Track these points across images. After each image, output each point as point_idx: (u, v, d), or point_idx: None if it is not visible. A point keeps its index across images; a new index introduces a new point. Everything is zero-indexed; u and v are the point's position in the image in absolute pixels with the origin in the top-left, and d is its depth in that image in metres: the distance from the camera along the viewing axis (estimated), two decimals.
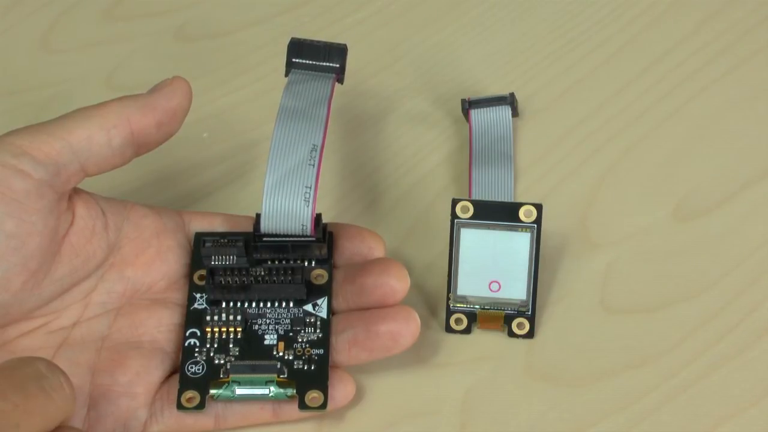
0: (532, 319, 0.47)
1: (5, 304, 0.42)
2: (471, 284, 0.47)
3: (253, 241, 0.44)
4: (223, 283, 0.44)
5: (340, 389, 0.44)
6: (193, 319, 0.45)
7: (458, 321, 0.48)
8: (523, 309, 0.47)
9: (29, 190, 0.41)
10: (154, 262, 0.45)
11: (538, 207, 0.46)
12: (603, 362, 0.47)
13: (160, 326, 0.45)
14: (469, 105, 0.53)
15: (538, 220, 0.46)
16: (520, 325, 0.47)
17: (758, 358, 0.47)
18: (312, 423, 0.45)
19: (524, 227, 0.46)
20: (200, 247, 0.45)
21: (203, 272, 0.45)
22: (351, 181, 0.53)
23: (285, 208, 0.43)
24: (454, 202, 0.47)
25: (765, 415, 0.45)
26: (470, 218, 0.46)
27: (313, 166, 0.43)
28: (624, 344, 0.47)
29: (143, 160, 0.53)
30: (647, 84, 0.55)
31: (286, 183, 0.43)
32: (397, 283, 0.44)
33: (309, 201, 0.43)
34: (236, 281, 0.44)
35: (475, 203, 0.47)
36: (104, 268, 0.45)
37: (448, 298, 0.47)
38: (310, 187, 0.43)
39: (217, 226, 0.47)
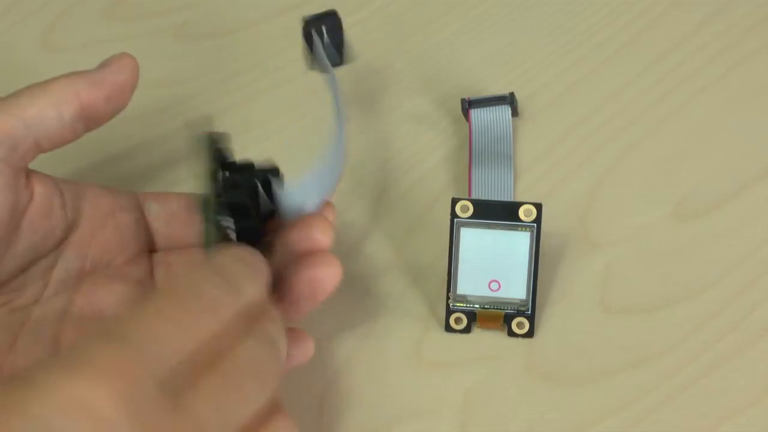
0: (531, 319, 0.47)
1: None
2: (471, 284, 0.47)
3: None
4: None
5: (298, 348, 0.43)
6: None
7: (458, 320, 0.48)
8: (523, 308, 0.47)
9: None
10: (112, 240, 0.46)
11: (538, 206, 0.46)
12: (603, 362, 0.47)
13: (119, 299, 0.45)
14: (468, 105, 0.53)
15: (537, 220, 0.46)
16: (519, 324, 0.47)
17: (758, 358, 0.47)
18: (312, 422, 0.45)
19: (524, 227, 0.46)
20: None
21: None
22: (351, 181, 0.53)
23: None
24: (454, 202, 0.47)
25: (765, 415, 0.45)
26: (470, 217, 0.46)
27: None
28: (624, 344, 0.47)
29: (144, 160, 0.53)
30: (647, 84, 0.55)
31: None
32: (320, 235, 0.43)
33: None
34: None
35: (474, 203, 0.47)
36: (63, 246, 0.45)
37: (448, 298, 0.47)
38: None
39: (174, 205, 0.48)
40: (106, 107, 0.45)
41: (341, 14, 0.58)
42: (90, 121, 0.45)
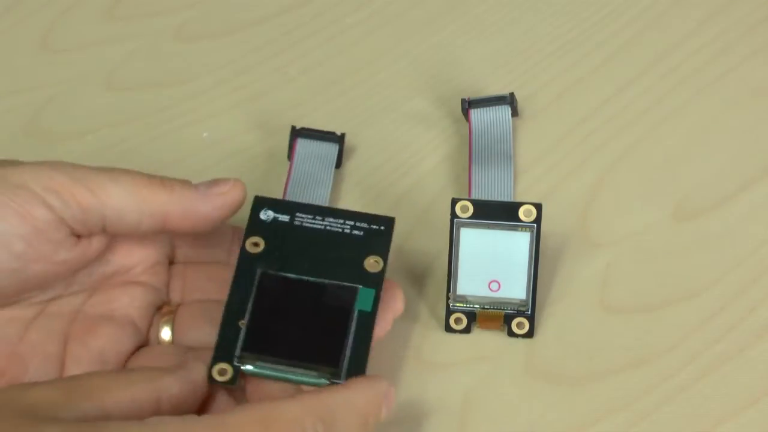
0: (531, 319, 0.47)
1: None
2: (471, 284, 0.47)
3: None
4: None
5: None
6: None
7: (458, 321, 0.48)
8: (523, 308, 0.47)
9: (49, 221, 0.42)
10: (136, 248, 0.46)
11: (538, 206, 0.46)
12: (603, 362, 0.47)
13: (134, 303, 0.45)
14: (468, 105, 0.53)
15: (537, 220, 0.46)
16: (519, 324, 0.47)
17: (758, 357, 0.47)
18: None
19: (524, 227, 0.46)
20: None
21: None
22: (351, 181, 0.53)
23: None
24: (454, 202, 0.47)
25: (765, 415, 0.45)
26: (470, 218, 0.46)
27: None
28: (624, 344, 0.47)
29: (144, 160, 0.53)
30: (647, 84, 0.55)
31: None
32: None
33: None
34: None
35: (474, 203, 0.47)
36: None
37: (448, 298, 0.47)
38: None
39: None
40: (188, 232, 0.45)
41: (341, 14, 0.59)
42: (163, 233, 0.45)
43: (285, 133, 0.53)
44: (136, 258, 0.46)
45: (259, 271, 0.44)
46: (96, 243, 0.44)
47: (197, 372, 0.41)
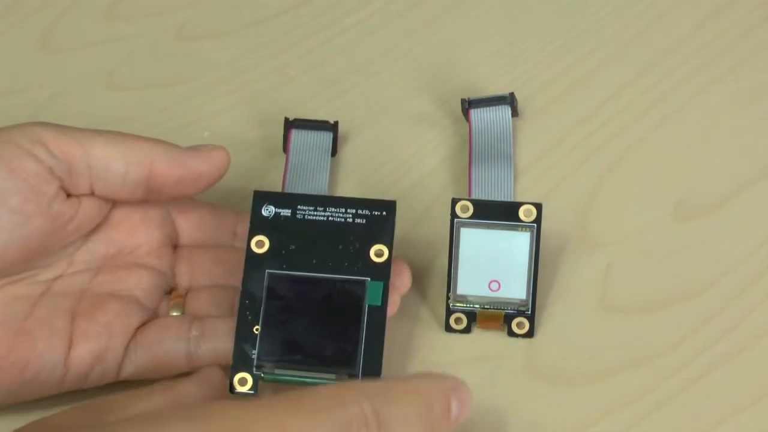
0: (531, 319, 0.47)
1: None
2: (471, 284, 0.47)
3: None
4: None
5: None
6: None
7: (458, 320, 0.48)
8: (523, 308, 0.47)
9: (39, 173, 0.43)
10: (139, 228, 0.47)
11: (538, 206, 0.46)
12: (603, 362, 0.47)
13: (140, 283, 0.46)
14: (468, 105, 0.53)
15: (537, 220, 0.46)
16: (519, 324, 0.47)
17: (758, 357, 0.47)
18: None
19: (524, 227, 0.46)
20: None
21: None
22: (351, 182, 0.53)
23: None
24: (454, 202, 0.47)
25: (765, 415, 0.45)
26: (470, 218, 0.46)
27: None
28: (624, 344, 0.47)
29: None
30: (647, 84, 0.55)
31: None
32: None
33: None
34: None
35: (474, 203, 0.47)
36: (92, 232, 0.46)
37: (448, 298, 0.47)
38: None
39: (204, 211, 0.48)
40: (173, 187, 0.45)
41: (341, 14, 0.58)
42: (151, 192, 0.45)
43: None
44: (139, 238, 0.46)
45: (267, 273, 0.44)
46: (89, 204, 0.44)
47: (215, 376, 0.42)
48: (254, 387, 0.43)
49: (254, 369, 0.43)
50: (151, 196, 0.45)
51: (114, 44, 0.58)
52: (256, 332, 0.43)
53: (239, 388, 0.43)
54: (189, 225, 0.48)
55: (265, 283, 0.44)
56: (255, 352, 0.43)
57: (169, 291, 0.47)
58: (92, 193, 0.45)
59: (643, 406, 0.46)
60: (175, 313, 0.46)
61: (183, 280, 0.47)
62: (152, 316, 0.46)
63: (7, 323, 0.43)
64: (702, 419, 0.45)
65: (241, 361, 0.43)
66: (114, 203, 0.46)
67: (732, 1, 0.58)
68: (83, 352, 0.44)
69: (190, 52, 0.57)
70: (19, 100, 0.55)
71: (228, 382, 0.43)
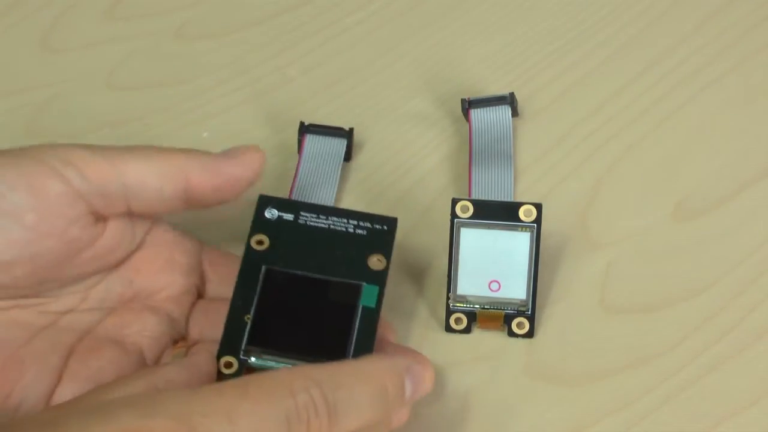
0: (531, 319, 0.47)
1: (4, 285, 0.42)
2: (471, 284, 0.47)
3: None
4: None
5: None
6: None
7: (458, 321, 0.48)
8: (523, 308, 0.47)
9: (63, 194, 0.42)
10: (163, 272, 0.45)
11: (538, 206, 0.46)
12: (603, 362, 0.47)
13: (145, 330, 0.44)
14: (469, 105, 0.53)
15: (537, 220, 0.46)
16: (519, 324, 0.47)
17: (758, 357, 0.47)
18: None
19: (524, 227, 0.46)
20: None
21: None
22: (351, 182, 0.53)
23: None
24: (454, 202, 0.47)
25: (765, 415, 0.45)
26: (470, 218, 0.46)
27: None
28: (624, 344, 0.47)
29: None
30: (647, 84, 0.55)
31: None
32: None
33: None
34: None
35: (474, 203, 0.47)
36: (112, 270, 0.45)
37: (448, 298, 0.47)
38: None
39: (235, 261, 0.46)
40: (212, 196, 0.44)
41: (341, 14, 0.58)
42: (191, 202, 0.44)
43: (285, 132, 0.53)
44: (160, 283, 0.45)
45: (264, 268, 0.44)
46: (111, 237, 0.43)
47: (203, 360, 0.41)
48: (239, 371, 0.42)
49: (241, 354, 0.43)
50: (191, 207, 0.44)
51: (114, 44, 0.58)
52: (247, 320, 0.43)
53: (225, 371, 0.42)
54: (217, 278, 0.47)
55: (261, 277, 0.44)
56: (244, 337, 0.43)
57: (178, 340, 0.45)
58: (129, 212, 0.43)
59: (643, 406, 0.46)
60: None
61: (194, 330, 0.46)
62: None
63: (1, 347, 0.42)
64: (702, 419, 0.45)
65: (228, 345, 0.43)
66: (141, 244, 0.45)
67: (732, 1, 0.58)
68: (67, 393, 0.42)
69: (190, 52, 0.57)
70: (19, 100, 0.55)
71: (215, 365, 0.42)
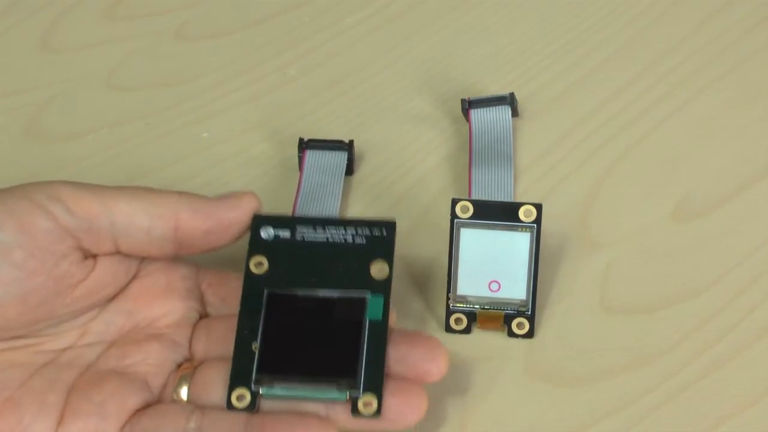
0: (531, 319, 0.47)
1: None
2: (471, 284, 0.47)
3: None
4: None
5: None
6: None
7: (458, 321, 0.48)
8: (523, 309, 0.47)
9: (51, 230, 0.41)
10: (161, 299, 0.45)
11: (538, 207, 0.46)
12: (603, 362, 0.47)
13: (148, 358, 0.44)
14: (469, 105, 0.53)
15: (537, 220, 0.46)
16: (519, 324, 0.47)
17: (758, 357, 0.47)
18: None
19: (524, 227, 0.46)
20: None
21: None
22: (351, 182, 0.53)
23: None
24: (454, 202, 0.47)
25: (765, 415, 0.45)
26: (470, 218, 0.46)
27: None
28: (624, 344, 0.47)
29: (144, 159, 0.53)
30: (647, 84, 0.55)
31: None
32: (435, 369, 0.42)
33: None
34: None
35: (474, 203, 0.47)
36: (109, 302, 0.44)
37: (448, 298, 0.47)
38: None
39: (233, 284, 0.45)
40: (203, 239, 0.43)
41: (341, 14, 0.58)
42: (181, 246, 0.43)
43: (284, 134, 0.53)
44: (159, 310, 0.45)
45: (266, 292, 0.43)
46: (103, 270, 0.43)
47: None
48: (252, 403, 0.42)
49: (252, 384, 0.42)
50: (182, 251, 0.43)
51: (114, 44, 0.58)
52: (255, 349, 0.42)
53: (237, 404, 0.42)
54: (217, 300, 0.46)
55: (264, 302, 0.43)
56: (254, 367, 0.42)
57: (182, 362, 0.44)
58: (118, 251, 0.43)
59: (643, 406, 0.46)
60: (183, 387, 0.43)
61: (198, 350, 0.44)
62: (153, 397, 0.43)
63: None
64: (702, 419, 0.45)
65: (238, 378, 0.42)
66: (136, 274, 0.44)
67: (732, 1, 0.58)
68: (72, 430, 0.41)
69: (190, 52, 0.57)
70: (19, 100, 0.56)
71: (225, 398, 0.42)
